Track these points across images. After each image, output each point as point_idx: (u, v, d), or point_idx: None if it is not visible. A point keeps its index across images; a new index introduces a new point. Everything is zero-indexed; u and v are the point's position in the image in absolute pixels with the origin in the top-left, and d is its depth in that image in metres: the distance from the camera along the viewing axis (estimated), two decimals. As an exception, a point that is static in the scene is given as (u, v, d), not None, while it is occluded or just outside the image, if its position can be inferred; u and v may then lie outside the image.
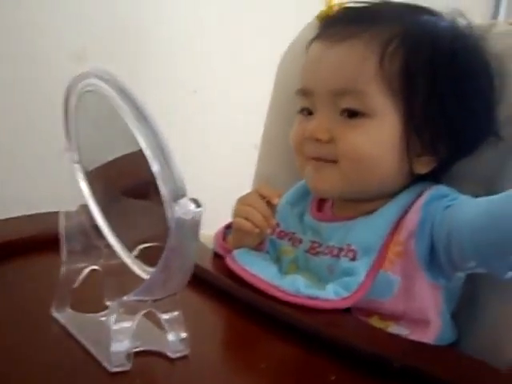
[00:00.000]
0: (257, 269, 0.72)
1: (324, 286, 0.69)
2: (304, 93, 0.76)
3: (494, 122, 0.76)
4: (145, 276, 0.57)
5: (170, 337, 0.59)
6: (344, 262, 0.72)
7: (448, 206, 0.70)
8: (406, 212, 0.72)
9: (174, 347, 0.59)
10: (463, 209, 0.69)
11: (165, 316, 0.58)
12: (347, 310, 0.70)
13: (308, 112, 0.76)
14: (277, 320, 0.66)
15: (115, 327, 0.56)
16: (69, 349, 0.60)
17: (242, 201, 0.77)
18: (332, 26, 0.76)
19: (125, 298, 0.56)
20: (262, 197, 0.76)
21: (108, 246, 0.63)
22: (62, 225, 0.64)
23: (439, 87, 0.73)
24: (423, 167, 0.75)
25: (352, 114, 0.72)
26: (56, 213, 0.72)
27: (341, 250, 0.73)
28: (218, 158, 1.26)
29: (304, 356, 0.63)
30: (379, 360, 0.59)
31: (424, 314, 0.72)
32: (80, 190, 0.65)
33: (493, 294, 0.75)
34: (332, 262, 0.74)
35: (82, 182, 0.64)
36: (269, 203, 0.75)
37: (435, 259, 0.71)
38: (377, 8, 0.78)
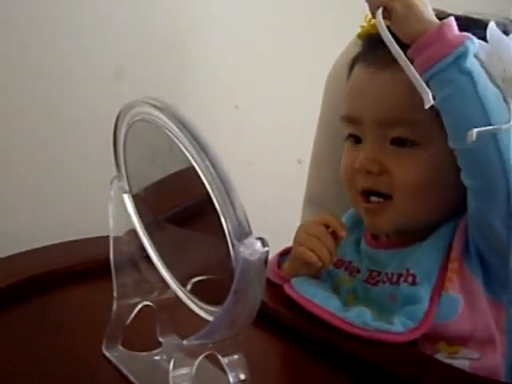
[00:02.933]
0: (319, 299, 0.68)
1: (389, 318, 0.66)
2: (350, 120, 0.73)
3: None
4: (203, 315, 0.53)
5: (231, 379, 0.55)
6: (405, 288, 0.69)
7: None
8: (456, 230, 0.70)
9: (236, 389, 0.55)
10: None
11: (226, 359, 0.54)
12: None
13: (356, 138, 0.73)
14: (342, 354, 0.62)
15: (174, 374, 0.52)
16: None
17: (307, 229, 0.74)
18: (375, 49, 0.71)
19: (185, 342, 0.52)
20: (327, 226, 0.73)
21: (161, 279, 0.59)
22: (112, 252, 0.61)
23: None
24: None
25: (402, 142, 0.69)
26: (96, 239, 0.69)
27: (400, 275, 0.70)
28: (262, 175, 1.21)
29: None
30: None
31: (489, 330, 0.69)
32: (128, 220, 0.61)
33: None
34: (392, 290, 0.71)
35: (132, 213, 0.60)
36: (333, 234, 0.73)
37: (486, 267, 0.69)
38: None
